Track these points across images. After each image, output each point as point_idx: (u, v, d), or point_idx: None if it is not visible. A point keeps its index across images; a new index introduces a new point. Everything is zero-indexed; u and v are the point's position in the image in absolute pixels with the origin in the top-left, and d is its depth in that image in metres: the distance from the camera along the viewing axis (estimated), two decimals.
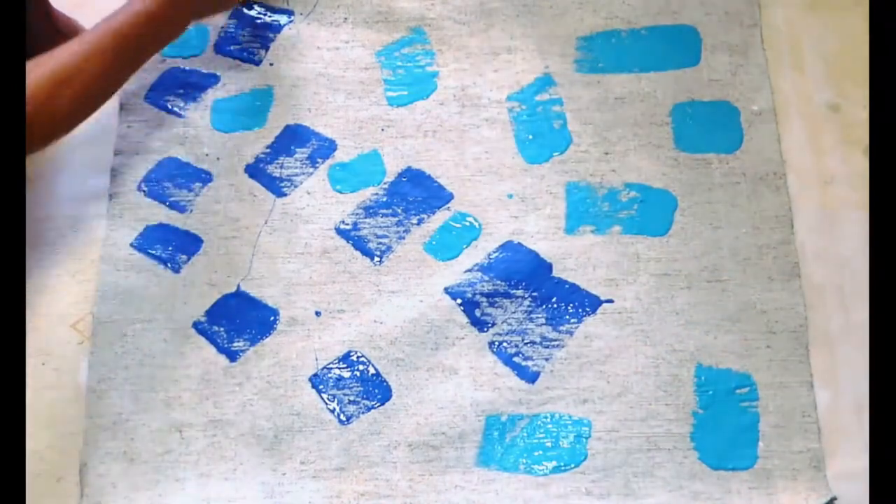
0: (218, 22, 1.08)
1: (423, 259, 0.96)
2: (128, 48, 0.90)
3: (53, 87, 0.84)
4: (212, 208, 0.99)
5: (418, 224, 0.98)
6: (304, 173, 1.01)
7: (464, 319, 0.94)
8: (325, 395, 0.92)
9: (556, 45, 1.05)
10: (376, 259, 0.97)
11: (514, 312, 0.94)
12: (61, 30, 1.00)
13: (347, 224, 0.98)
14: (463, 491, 0.88)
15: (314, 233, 0.98)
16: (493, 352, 0.92)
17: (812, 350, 0.92)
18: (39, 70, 0.84)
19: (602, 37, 1.05)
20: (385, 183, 1.00)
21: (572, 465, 0.88)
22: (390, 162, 1.01)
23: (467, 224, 0.98)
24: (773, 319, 0.93)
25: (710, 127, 1.01)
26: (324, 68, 1.05)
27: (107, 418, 0.91)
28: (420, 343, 0.93)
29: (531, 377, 0.91)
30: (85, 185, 1.01)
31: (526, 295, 0.95)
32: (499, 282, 0.95)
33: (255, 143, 1.02)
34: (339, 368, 0.93)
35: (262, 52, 1.07)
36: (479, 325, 0.94)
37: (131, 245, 0.98)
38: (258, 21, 1.08)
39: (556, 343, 0.93)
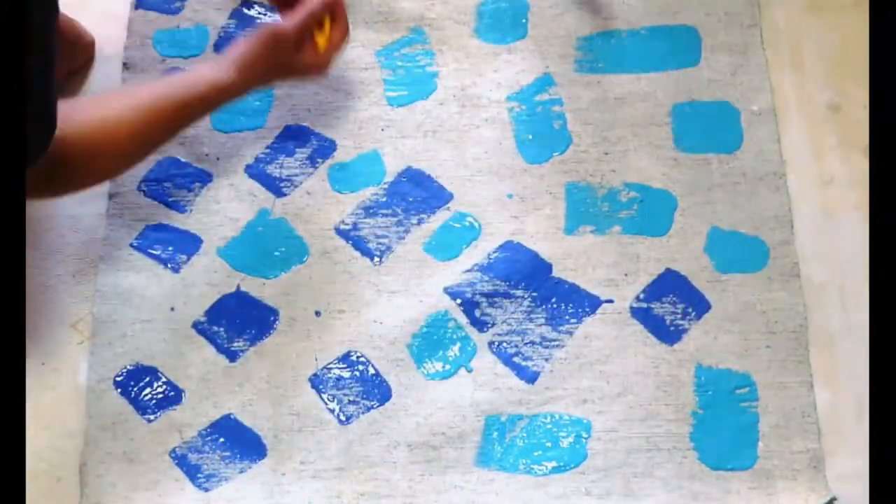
0: (218, 22, 1.08)
1: (423, 259, 0.96)
2: (185, 115, 0.84)
3: (99, 137, 0.78)
4: (212, 208, 0.99)
5: (418, 224, 0.98)
6: (304, 173, 1.01)
7: (464, 319, 0.94)
8: (324, 395, 0.92)
9: (556, 45, 1.05)
10: (376, 259, 0.97)
11: (513, 312, 0.94)
12: (62, 30, 1.00)
13: (347, 224, 0.98)
14: (462, 491, 0.88)
15: (314, 233, 0.98)
16: (492, 352, 0.92)
17: (812, 350, 0.92)
18: (88, 114, 0.78)
19: (602, 37, 1.05)
20: (385, 183, 1.00)
21: (572, 466, 0.88)
22: (390, 162, 1.01)
23: (467, 224, 0.98)
24: (773, 319, 0.93)
25: (710, 127, 1.01)
26: None
27: (107, 418, 0.91)
28: (419, 343, 0.93)
29: (531, 377, 0.91)
30: None
31: (526, 295, 0.95)
32: (499, 282, 0.95)
33: (255, 143, 1.02)
34: (339, 368, 0.93)
35: None
36: (479, 325, 0.94)
37: (131, 245, 0.98)
38: (258, 21, 1.08)
39: (555, 343, 0.93)
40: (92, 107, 0.80)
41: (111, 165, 0.82)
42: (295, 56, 0.88)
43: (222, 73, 0.85)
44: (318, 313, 0.95)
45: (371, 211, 0.99)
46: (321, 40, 0.90)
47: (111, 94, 0.84)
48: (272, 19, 1.08)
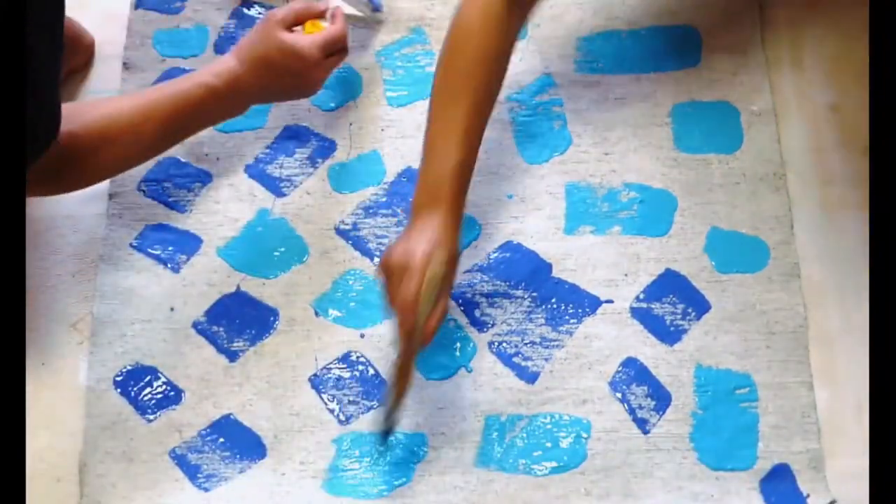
0: (218, 22, 1.08)
1: None
2: (184, 118, 0.89)
3: (101, 139, 0.84)
4: (212, 208, 0.99)
5: None
6: (304, 173, 1.01)
7: (464, 319, 0.94)
8: (324, 395, 0.92)
9: (556, 45, 1.05)
10: (376, 259, 0.97)
11: (513, 313, 0.94)
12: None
13: (347, 224, 0.98)
14: (462, 491, 0.88)
15: (314, 233, 0.98)
16: (492, 352, 0.92)
17: (812, 350, 0.92)
18: (91, 116, 0.84)
19: (602, 37, 1.05)
20: (385, 183, 1.00)
21: (572, 466, 0.88)
22: (390, 162, 1.00)
23: (467, 224, 0.98)
24: (772, 319, 0.93)
25: (710, 127, 1.01)
26: None
27: (106, 418, 0.91)
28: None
29: (531, 377, 0.91)
30: None
31: (525, 295, 0.95)
32: (498, 282, 0.95)
33: (255, 143, 1.02)
34: (339, 368, 0.93)
35: None
36: (479, 325, 0.94)
37: (131, 245, 0.98)
38: (258, 21, 1.08)
39: (555, 343, 0.93)
40: (99, 106, 0.86)
41: (117, 162, 0.88)
42: (283, 35, 0.91)
43: (220, 65, 0.90)
44: (317, 313, 0.95)
45: (371, 211, 0.99)
46: (311, 29, 0.94)
47: (118, 96, 0.87)
48: None
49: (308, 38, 0.92)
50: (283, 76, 0.91)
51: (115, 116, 0.85)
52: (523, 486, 0.88)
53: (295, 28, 0.94)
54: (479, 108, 0.86)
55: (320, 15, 0.96)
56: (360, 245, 0.97)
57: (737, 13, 1.05)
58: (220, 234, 0.98)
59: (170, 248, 0.98)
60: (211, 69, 0.90)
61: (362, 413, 0.91)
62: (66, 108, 0.80)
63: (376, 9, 1.04)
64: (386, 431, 0.85)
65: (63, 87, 1.02)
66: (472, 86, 0.85)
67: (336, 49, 0.95)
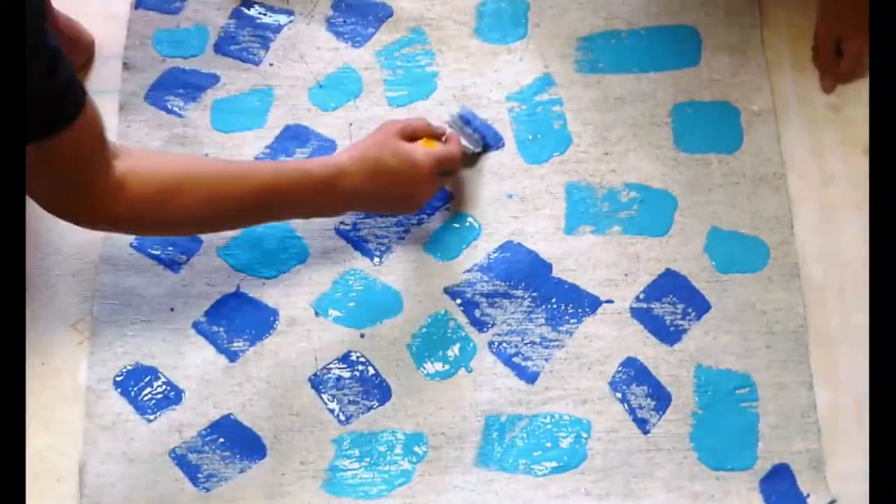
0: (218, 22, 1.08)
1: (423, 259, 0.96)
2: (273, 194, 0.84)
3: (176, 189, 0.79)
4: None
5: (418, 224, 0.98)
6: None
7: (464, 319, 0.94)
8: (324, 395, 0.92)
9: (556, 45, 1.05)
10: (376, 259, 0.97)
11: (513, 313, 0.94)
12: (62, 31, 1.00)
13: (347, 224, 0.98)
14: (462, 491, 0.88)
15: (314, 233, 0.98)
16: (492, 352, 0.92)
17: (812, 350, 0.92)
18: (175, 167, 0.81)
19: (602, 37, 1.05)
20: None
21: (572, 466, 0.88)
22: None
23: (467, 224, 0.98)
24: (772, 320, 0.93)
25: (710, 127, 1.01)
26: (323, 68, 1.05)
27: (107, 418, 0.91)
28: (419, 343, 0.93)
29: (531, 377, 0.91)
30: None
31: (526, 295, 0.95)
32: (498, 282, 0.95)
33: (255, 143, 1.02)
34: (339, 368, 0.93)
35: (262, 52, 1.07)
36: (479, 325, 0.94)
37: (131, 245, 0.98)
38: (258, 21, 1.08)
39: (555, 343, 0.93)
40: (170, 159, 0.84)
41: (185, 217, 0.82)
42: (400, 142, 0.89)
43: (328, 157, 0.89)
44: (317, 313, 0.95)
45: None
46: (427, 145, 0.92)
47: (202, 159, 0.87)
48: (272, 19, 1.08)
49: (424, 150, 0.91)
50: (392, 183, 0.88)
51: (200, 170, 0.82)
52: (523, 485, 0.88)
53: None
54: None
55: (436, 136, 0.95)
56: (360, 245, 0.97)
57: (737, 13, 1.05)
58: (220, 234, 0.98)
59: (170, 248, 0.98)
60: (318, 159, 0.89)
61: (362, 413, 0.91)
62: (141, 154, 0.79)
63: (487, 148, 1.00)
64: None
65: None
66: None
67: (448, 169, 0.93)
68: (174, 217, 0.81)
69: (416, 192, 0.91)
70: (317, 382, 0.92)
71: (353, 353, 0.93)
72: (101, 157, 0.75)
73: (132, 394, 0.92)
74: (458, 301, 0.94)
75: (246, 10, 1.08)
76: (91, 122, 0.72)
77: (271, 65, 1.06)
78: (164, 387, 0.92)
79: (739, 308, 0.93)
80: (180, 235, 0.95)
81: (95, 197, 0.76)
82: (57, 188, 0.75)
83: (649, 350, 0.92)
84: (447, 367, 0.92)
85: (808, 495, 0.86)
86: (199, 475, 0.89)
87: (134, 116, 1.03)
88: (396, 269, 0.96)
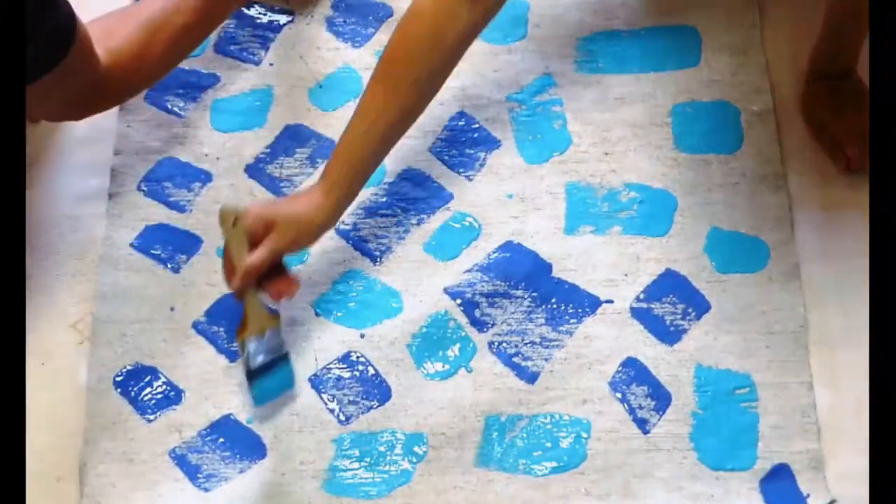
0: None
1: (423, 259, 0.96)
2: (217, 2, 0.91)
3: (145, 38, 0.87)
4: (212, 208, 0.99)
5: (418, 224, 0.98)
6: (304, 173, 1.01)
7: (464, 319, 0.94)
8: (324, 395, 0.92)
9: (556, 45, 1.05)
10: (376, 259, 0.97)
11: (513, 313, 0.94)
12: None
13: (347, 224, 0.98)
14: (462, 491, 0.88)
15: None
16: (492, 352, 0.92)
17: (812, 350, 0.92)
18: (130, 21, 0.87)
19: (602, 37, 1.05)
20: (385, 183, 1.00)
21: (572, 466, 0.88)
22: (390, 162, 1.00)
23: (467, 224, 0.98)
24: (772, 320, 0.93)
25: (710, 127, 1.01)
26: (323, 68, 1.05)
27: (107, 418, 0.91)
28: (419, 343, 0.93)
29: (531, 377, 0.91)
30: (85, 185, 1.01)
31: (526, 295, 0.94)
32: (498, 282, 0.95)
33: (255, 143, 1.02)
34: (339, 368, 0.93)
35: (262, 52, 1.07)
36: (479, 325, 0.94)
37: (131, 245, 0.98)
38: (258, 21, 1.08)
39: (555, 343, 0.93)
40: (130, 14, 0.89)
41: (162, 59, 0.90)
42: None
43: None
44: (317, 313, 0.95)
45: (371, 211, 0.99)
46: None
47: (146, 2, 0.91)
48: (272, 19, 1.08)
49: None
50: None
51: (149, 23, 0.88)
52: (523, 486, 0.88)
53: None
54: (411, 105, 0.87)
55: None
56: (360, 245, 0.97)
57: (737, 13, 1.05)
58: (220, 234, 0.98)
59: (170, 248, 0.98)
60: None
61: (362, 413, 0.91)
62: (99, 26, 0.84)
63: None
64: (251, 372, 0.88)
65: None
66: (411, 77, 0.85)
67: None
68: (155, 64, 0.90)
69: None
70: (317, 382, 0.92)
71: (353, 353, 0.93)
72: (93, 51, 0.82)
73: (132, 394, 0.92)
74: (458, 301, 0.94)
75: (246, 10, 1.08)
76: (81, 25, 0.79)
77: (271, 65, 1.06)
78: (163, 387, 0.92)
79: (739, 308, 0.93)
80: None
81: (101, 84, 0.85)
82: (78, 95, 0.84)
83: (649, 350, 0.92)
84: (447, 367, 0.92)
85: (808, 495, 0.86)
86: (199, 475, 0.89)
87: (134, 116, 1.03)
88: (396, 269, 0.96)
